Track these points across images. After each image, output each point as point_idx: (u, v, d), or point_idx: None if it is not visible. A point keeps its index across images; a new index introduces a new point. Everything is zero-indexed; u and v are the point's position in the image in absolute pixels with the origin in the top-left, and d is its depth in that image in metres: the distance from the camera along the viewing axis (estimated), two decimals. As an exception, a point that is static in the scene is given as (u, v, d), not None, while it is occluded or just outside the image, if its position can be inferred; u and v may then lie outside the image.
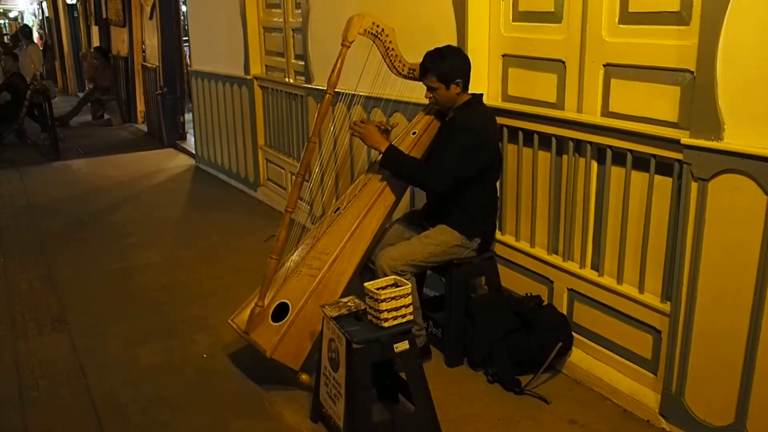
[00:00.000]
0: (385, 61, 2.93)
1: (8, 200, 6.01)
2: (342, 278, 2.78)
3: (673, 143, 2.30)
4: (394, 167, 2.87)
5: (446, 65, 2.76)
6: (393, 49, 2.89)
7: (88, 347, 3.23)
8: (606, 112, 2.65)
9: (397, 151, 2.85)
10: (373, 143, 2.87)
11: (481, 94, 2.95)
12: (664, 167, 2.43)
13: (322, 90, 3.30)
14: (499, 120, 3.02)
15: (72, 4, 13.30)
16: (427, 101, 2.94)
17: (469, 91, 2.87)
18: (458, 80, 2.78)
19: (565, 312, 2.89)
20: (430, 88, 2.82)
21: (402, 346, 2.30)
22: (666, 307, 2.45)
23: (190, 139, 7.89)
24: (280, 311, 2.74)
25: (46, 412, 2.72)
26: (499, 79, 3.14)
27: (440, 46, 2.82)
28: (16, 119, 8.13)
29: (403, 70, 2.95)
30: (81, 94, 11.80)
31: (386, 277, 2.44)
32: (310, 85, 4.57)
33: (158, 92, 8.18)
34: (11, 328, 3.46)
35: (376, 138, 2.87)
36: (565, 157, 2.83)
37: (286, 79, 5.13)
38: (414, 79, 2.96)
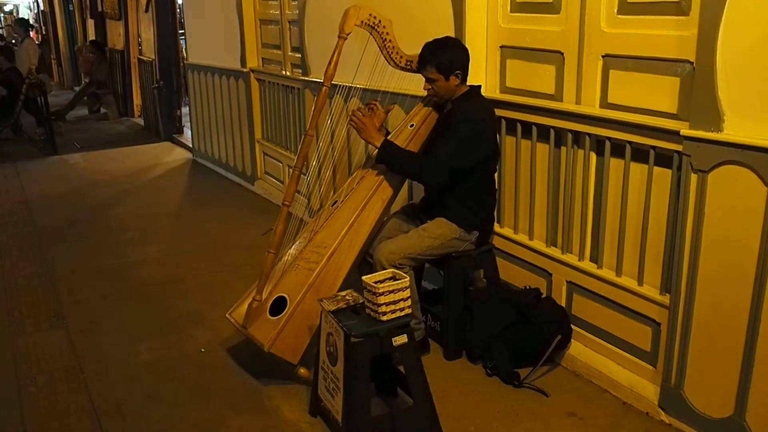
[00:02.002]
0: (382, 52, 2.91)
1: (5, 195, 5.98)
2: (340, 272, 2.77)
3: (672, 134, 2.28)
4: (390, 162, 2.85)
5: (446, 56, 2.74)
6: (390, 40, 2.87)
7: (86, 343, 3.22)
8: (605, 104, 2.64)
9: (392, 146, 2.83)
10: (368, 137, 2.84)
11: (480, 86, 2.94)
12: (664, 159, 2.41)
13: (319, 82, 3.28)
14: (498, 112, 3.00)
15: (67, -3, 13.21)
16: (425, 93, 2.93)
17: (468, 83, 2.85)
18: (457, 71, 2.76)
19: (563, 304, 2.88)
20: (429, 80, 2.80)
21: (400, 339, 2.29)
22: (665, 299, 2.45)
23: (187, 133, 7.86)
24: (278, 305, 2.73)
25: (43, 408, 2.71)
26: (497, 70, 3.12)
27: (438, 37, 2.80)
28: (12, 114, 8.08)
29: (400, 62, 2.94)
30: (77, 88, 11.75)
31: (384, 271, 2.43)
32: (307, 78, 4.54)
33: (155, 86, 8.14)
34: (8, 324, 3.45)
35: (372, 132, 2.84)
36: (563, 148, 2.81)
37: (283, 72, 5.10)
38: (411, 70, 2.94)
